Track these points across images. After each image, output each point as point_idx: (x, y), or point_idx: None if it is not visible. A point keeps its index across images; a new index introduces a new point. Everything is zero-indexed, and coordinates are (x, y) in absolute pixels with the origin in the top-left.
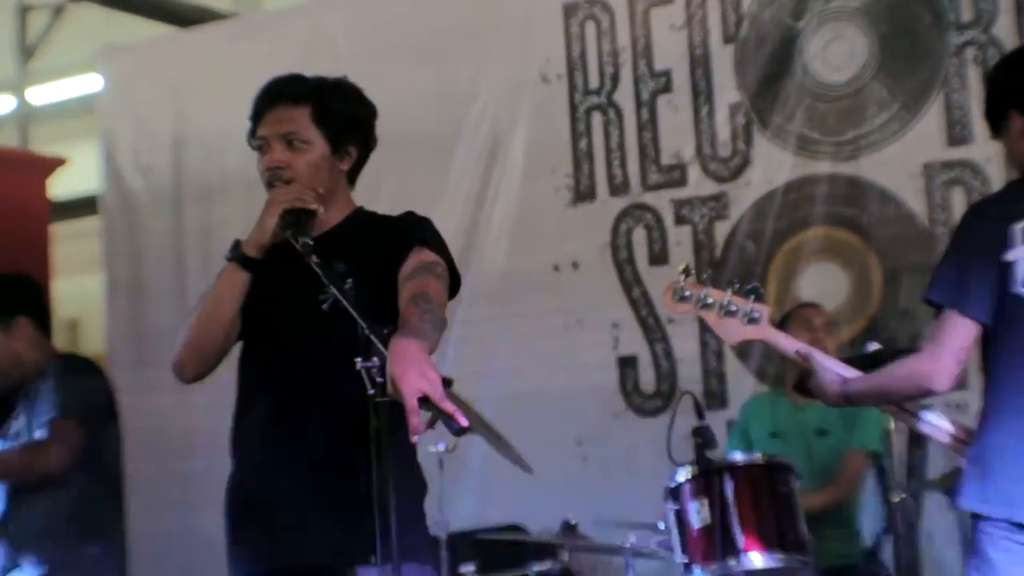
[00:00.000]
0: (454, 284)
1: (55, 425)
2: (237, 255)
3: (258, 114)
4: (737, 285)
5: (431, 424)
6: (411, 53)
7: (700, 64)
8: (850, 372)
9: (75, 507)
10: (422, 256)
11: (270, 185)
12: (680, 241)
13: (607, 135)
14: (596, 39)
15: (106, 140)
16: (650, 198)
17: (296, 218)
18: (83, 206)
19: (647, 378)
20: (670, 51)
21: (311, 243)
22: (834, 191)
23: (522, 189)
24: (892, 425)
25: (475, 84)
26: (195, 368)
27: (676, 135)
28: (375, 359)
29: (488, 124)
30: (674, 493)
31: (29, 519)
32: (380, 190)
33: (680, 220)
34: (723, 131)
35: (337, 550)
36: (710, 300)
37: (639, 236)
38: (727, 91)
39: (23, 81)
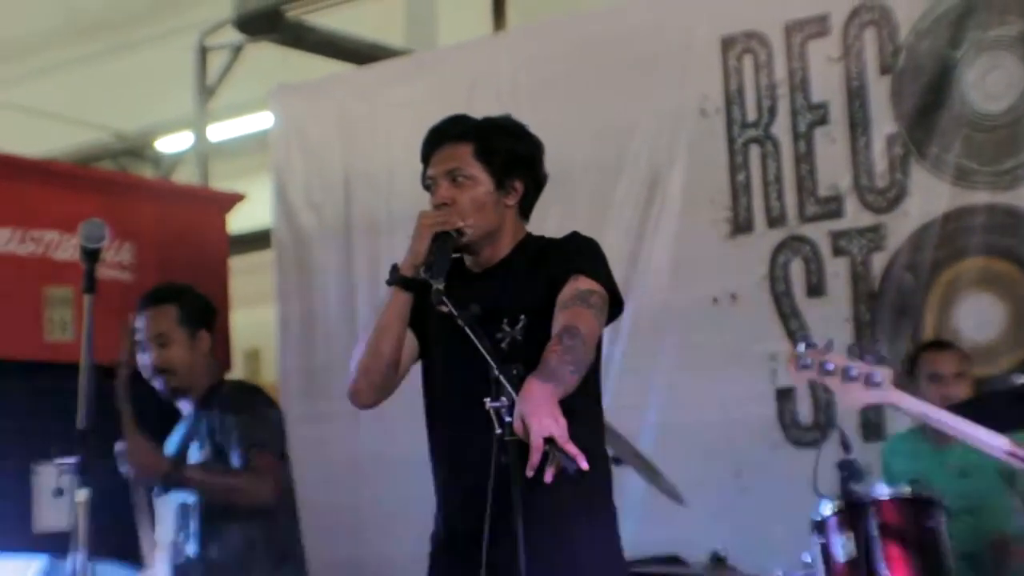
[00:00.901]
0: (616, 308)
1: (260, 458)
2: (396, 278)
3: (427, 156)
4: (856, 350)
5: (554, 464)
6: (573, 88)
7: (857, 96)
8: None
9: (273, 537)
10: (579, 284)
11: None
12: (838, 273)
13: (764, 167)
14: (753, 72)
15: (278, 176)
16: (807, 230)
17: (444, 242)
18: (260, 240)
19: (804, 410)
20: (827, 83)
21: (442, 290)
22: (992, 221)
23: (681, 222)
24: None
25: (635, 118)
26: (369, 393)
27: (833, 167)
28: (503, 399)
29: (647, 158)
30: (819, 526)
31: (230, 548)
32: (544, 224)
33: (838, 252)
34: (880, 162)
35: None
36: (831, 367)
37: (796, 268)
38: (884, 122)
39: (203, 119)
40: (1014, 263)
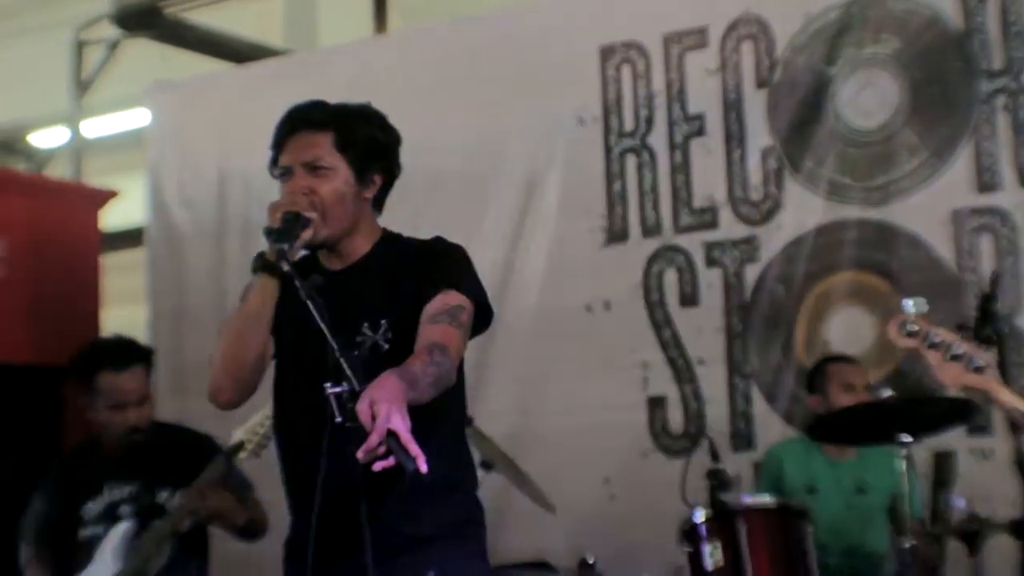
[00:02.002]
0: (484, 318)
1: (254, 500)
2: (259, 263)
3: (280, 142)
4: (969, 331)
5: (388, 456)
6: (451, 93)
7: (733, 108)
8: None
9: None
10: (448, 299)
11: None
12: (711, 283)
13: (640, 177)
14: (632, 82)
15: (153, 174)
16: (682, 240)
17: (290, 223)
18: (133, 238)
19: (675, 418)
20: (704, 95)
21: (285, 249)
22: (864, 236)
23: (556, 229)
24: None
25: (512, 125)
26: (233, 392)
27: (708, 178)
28: (344, 385)
29: (524, 164)
30: (688, 534)
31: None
32: (417, 228)
33: (711, 262)
34: (755, 175)
35: None
36: (938, 339)
37: (670, 277)
38: (759, 135)
39: (77, 114)
40: (884, 277)
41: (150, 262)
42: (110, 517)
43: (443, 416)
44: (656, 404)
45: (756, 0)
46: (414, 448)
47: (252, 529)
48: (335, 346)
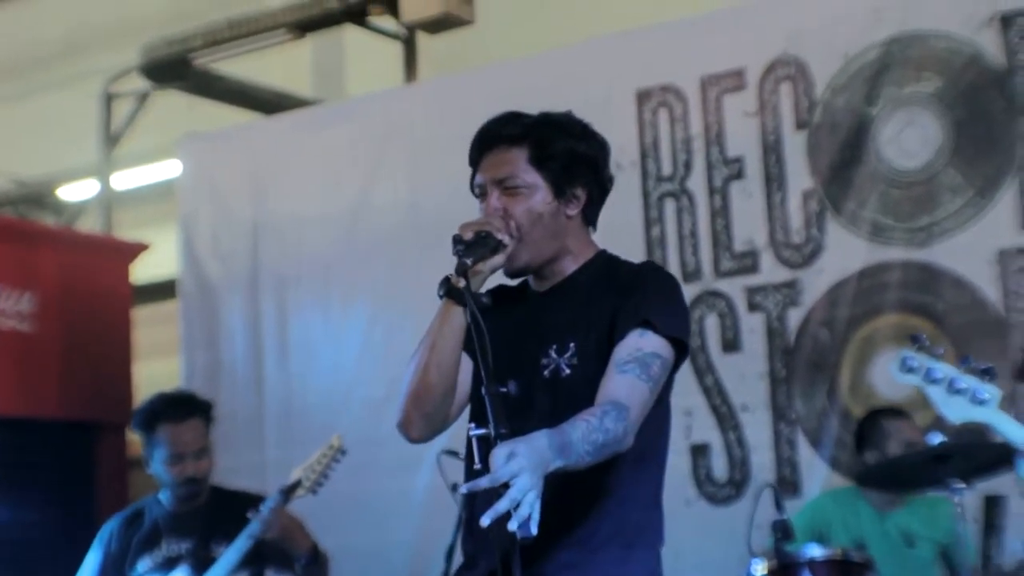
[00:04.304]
0: (681, 354)
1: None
2: (446, 288)
3: (476, 159)
4: (971, 363)
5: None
6: None
7: (773, 151)
8: None
9: None
10: (643, 343)
11: None
12: (753, 328)
13: (680, 222)
14: (669, 126)
15: (185, 225)
16: (723, 285)
17: (481, 239)
18: (164, 290)
19: (719, 466)
20: (743, 138)
21: (468, 264)
22: (908, 278)
23: None
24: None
25: None
26: (421, 425)
27: (749, 222)
28: (488, 428)
29: None
30: None
31: None
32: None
33: (753, 307)
34: (796, 218)
35: None
36: (938, 375)
37: (712, 323)
38: (800, 178)
39: (107, 167)
40: (929, 320)
41: (183, 314)
42: (165, 571)
43: (635, 459)
44: (699, 452)
45: (794, 41)
46: (525, 511)
47: (317, 563)
48: (485, 378)
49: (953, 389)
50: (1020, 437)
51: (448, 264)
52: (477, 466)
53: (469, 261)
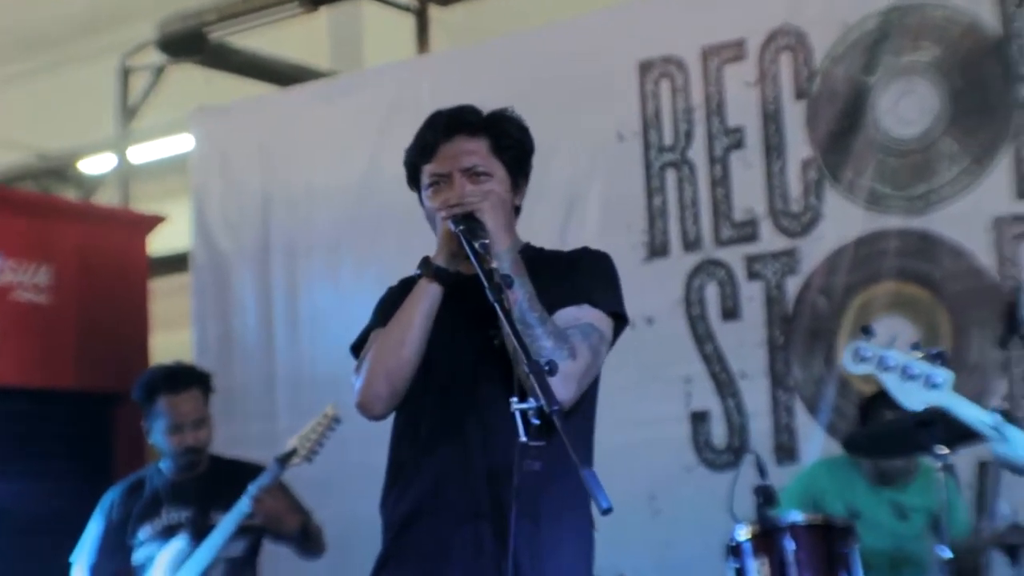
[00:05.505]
0: (618, 329)
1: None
2: (427, 267)
3: (430, 149)
4: (921, 348)
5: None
6: None
7: (772, 120)
8: None
9: None
10: (581, 314)
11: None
12: (752, 297)
13: (681, 191)
14: (671, 96)
15: (197, 198)
16: (723, 254)
17: (467, 224)
18: (181, 262)
19: (719, 433)
20: (743, 108)
21: (488, 243)
22: (905, 246)
23: (597, 245)
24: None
25: (553, 142)
26: (389, 401)
27: (749, 191)
28: (531, 400)
29: (565, 181)
30: (735, 551)
31: None
32: None
33: (752, 275)
34: (795, 187)
35: None
36: (891, 363)
37: (711, 292)
38: (799, 147)
39: (124, 141)
40: (927, 287)
41: (195, 286)
42: (165, 539)
43: (583, 434)
44: (699, 419)
45: (794, 11)
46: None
47: (309, 537)
48: (525, 357)
49: (907, 375)
50: (976, 418)
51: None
52: (523, 439)
53: (487, 241)
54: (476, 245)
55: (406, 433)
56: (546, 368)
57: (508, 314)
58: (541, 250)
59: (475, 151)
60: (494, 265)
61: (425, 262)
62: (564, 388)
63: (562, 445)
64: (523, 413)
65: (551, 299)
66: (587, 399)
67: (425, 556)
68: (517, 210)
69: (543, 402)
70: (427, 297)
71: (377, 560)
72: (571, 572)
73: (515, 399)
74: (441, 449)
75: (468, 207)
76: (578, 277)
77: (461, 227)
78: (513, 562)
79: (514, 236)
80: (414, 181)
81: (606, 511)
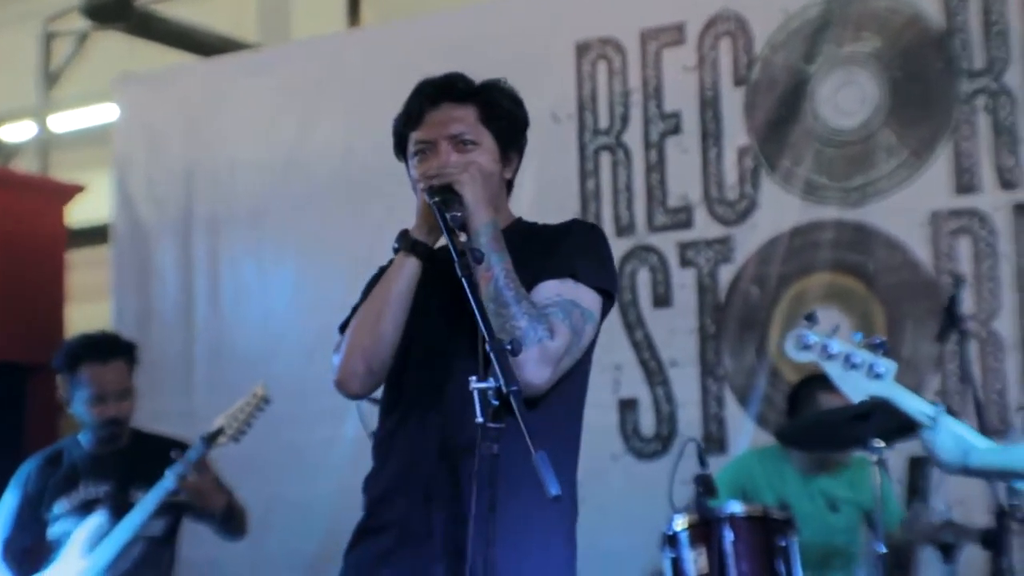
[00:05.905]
0: (606, 304)
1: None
2: (405, 240)
3: (417, 116)
4: (863, 337)
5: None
6: None
7: (710, 106)
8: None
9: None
10: (563, 289)
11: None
12: (684, 284)
13: (615, 175)
14: (607, 79)
15: (120, 168)
16: (656, 240)
17: (443, 196)
18: (100, 234)
19: (647, 421)
20: (681, 92)
21: (460, 216)
22: (840, 237)
23: None
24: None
25: None
26: (367, 379)
27: (684, 177)
28: (491, 380)
29: None
30: (671, 540)
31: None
32: (387, 225)
33: (685, 263)
34: (731, 174)
35: None
36: (834, 351)
37: (643, 278)
38: (736, 134)
39: (45, 108)
40: (861, 279)
41: (115, 258)
42: (82, 514)
43: (559, 417)
44: (627, 406)
45: None
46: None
47: (233, 518)
48: (487, 335)
49: (849, 364)
50: (917, 409)
51: (379, 216)
52: (479, 420)
53: (459, 214)
54: (448, 217)
55: (387, 410)
56: (508, 347)
57: (475, 289)
58: (533, 224)
59: (462, 118)
60: (463, 239)
61: (403, 235)
62: (539, 369)
63: (529, 427)
64: (482, 393)
65: (535, 272)
66: (571, 380)
67: (390, 535)
68: (509, 184)
69: (501, 382)
70: (404, 271)
71: (352, 536)
72: (539, 560)
73: (474, 378)
74: (413, 427)
75: (446, 178)
76: (563, 250)
77: (436, 199)
78: (473, 547)
79: (502, 211)
80: (401, 150)
81: (555, 498)
